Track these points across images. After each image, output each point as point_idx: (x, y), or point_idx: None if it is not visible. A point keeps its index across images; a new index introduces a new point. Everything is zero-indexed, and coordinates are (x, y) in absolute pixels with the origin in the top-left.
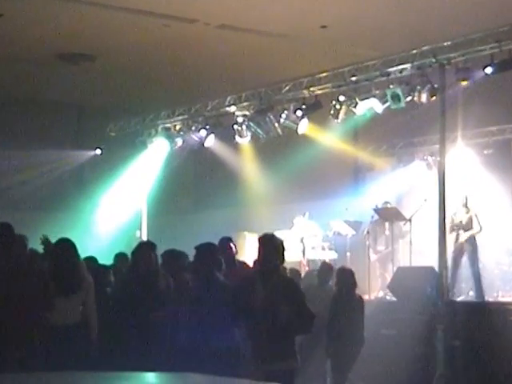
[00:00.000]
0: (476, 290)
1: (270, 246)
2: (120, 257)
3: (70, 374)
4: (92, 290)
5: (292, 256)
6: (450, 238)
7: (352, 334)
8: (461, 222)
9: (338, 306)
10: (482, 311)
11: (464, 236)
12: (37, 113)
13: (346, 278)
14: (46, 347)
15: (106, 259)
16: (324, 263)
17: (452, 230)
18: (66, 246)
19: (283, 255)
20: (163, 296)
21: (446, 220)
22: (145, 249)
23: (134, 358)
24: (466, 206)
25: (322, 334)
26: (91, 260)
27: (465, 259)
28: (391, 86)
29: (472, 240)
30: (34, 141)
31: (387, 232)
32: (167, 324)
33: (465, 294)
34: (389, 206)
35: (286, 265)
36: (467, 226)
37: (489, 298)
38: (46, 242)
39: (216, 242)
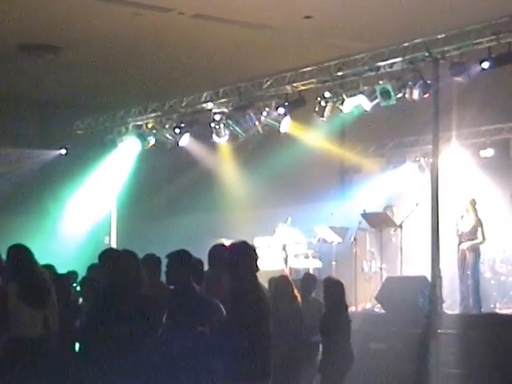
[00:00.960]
0: (474, 301)
1: (243, 255)
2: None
3: None
4: (55, 301)
5: (274, 265)
6: (448, 246)
7: (341, 350)
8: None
9: (328, 322)
10: (478, 324)
11: (466, 244)
12: None
13: (337, 292)
14: (9, 360)
15: (72, 266)
16: (307, 274)
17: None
18: (21, 253)
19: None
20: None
21: (451, 226)
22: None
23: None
24: (473, 210)
25: (307, 349)
26: (51, 268)
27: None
28: (381, 82)
29: (475, 248)
30: None
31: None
32: (142, 339)
33: (458, 305)
34: (393, 209)
35: (267, 274)
36: (471, 234)
37: (485, 309)
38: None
39: (191, 248)
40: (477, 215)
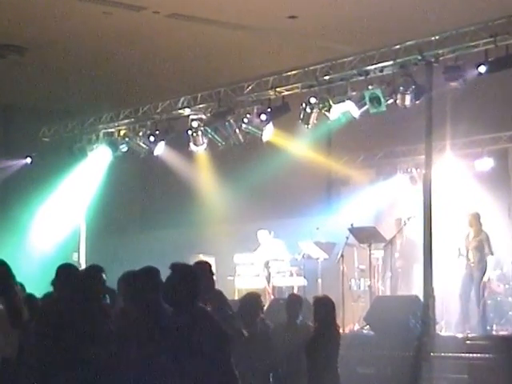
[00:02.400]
0: (481, 319)
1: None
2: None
3: None
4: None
5: (256, 283)
6: (442, 263)
7: (328, 374)
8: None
9: (317, 344)
10: (475, 347)
11: (475, 261)
12: None
13: (327, 312)
14: None
15: (37, 285)
16: (292, 295)
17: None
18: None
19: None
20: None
21: (445, 242)
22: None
23: None
24: (477, 225)
25: (294, 375)
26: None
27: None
28: (370, 87)
29: (483, 265)
30: None
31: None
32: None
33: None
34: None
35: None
36: (477, 250)
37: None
38: None
39: (165, 266)
40: (482, 229)
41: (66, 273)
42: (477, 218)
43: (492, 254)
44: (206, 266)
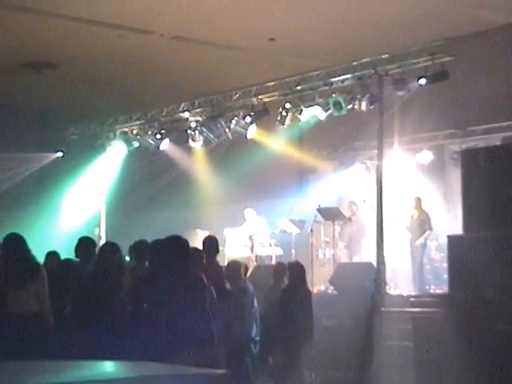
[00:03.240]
0: (420, 282)
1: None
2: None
3: (24, 362)
4: (45, 281)
5: (242, 252)
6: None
7: (301, 325)
8: (415, 222)
9: (289, 297)
10: (415, 302)
11: (418, 237)
12: (1, 118)
13: (298, 272)
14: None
15: (66, 254)
16: (279, 263)
17: (408, 229)
18: (15, 240)
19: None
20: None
21: (405, 220)
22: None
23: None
24: (419, 208)
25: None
26: (55, 255)
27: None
28: (333, 95)
29: (425, 239)
30: None
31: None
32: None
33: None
34: (357, 203)
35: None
36: (419, 227)
37: (421, 291)
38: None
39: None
40: (423, 210)
41: (86, 243)
42: (419, 201)
43: (431, 229)
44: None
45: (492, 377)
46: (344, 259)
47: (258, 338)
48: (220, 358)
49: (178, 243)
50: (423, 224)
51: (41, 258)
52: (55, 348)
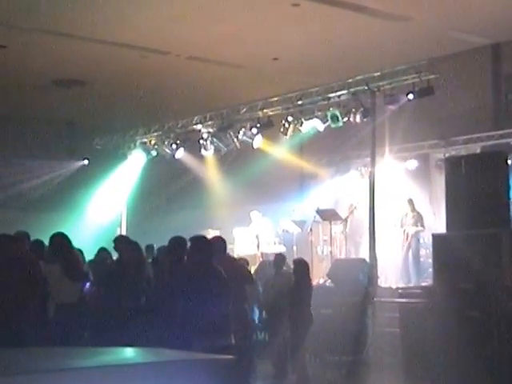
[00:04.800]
0: (415, 274)
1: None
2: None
3: (44, 348)
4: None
5: (249, 249)
6: (384, 235)
7: (303, 313)
8: (409, 220)
9: (296, 292)
10: (403, 293)
11: (411, 231)
12: (35, 129)
13: (303, 269)
14: (55, 321)
15: (92, 250)
16: (278, 254)
17: (402, 227)
18: (63, 239)
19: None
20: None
21: (397, 219)
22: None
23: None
24: (413, 209)
25: (283, 312)
26: (106, 250)
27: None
28: (331, 109)
29: (418, 236)
30: (33, 153)
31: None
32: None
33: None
34: (357, 206)
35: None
36: (414, 226)
37: (407, 283)
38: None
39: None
40: (416, 210)
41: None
42: (412, 202)
43: (424, 227)
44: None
45: (468, 357)
46: (340, 255)
47: (260, 324)
48: (233, 343)
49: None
50: (416, 222)
51: None
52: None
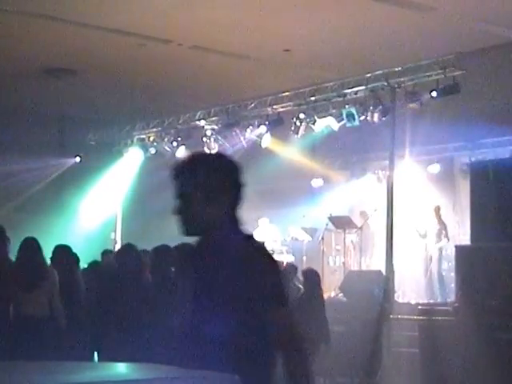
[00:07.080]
0: (440, 290)
1: None
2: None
3: (36, 363)
4: (56, 284)
5: None
6: (403, 245)
7: (315, 327)
8: (433, 230)
9: (304, 302)
10: (423, 311)
11: (434, 245)
12: (22, 123)
13: (313, 278)
14: (14, 337)
15: (83, 255)
16: (290, 264)
17: (423, 237)
18: (29, 244)
19: None
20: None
21: (418, 228)
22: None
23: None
24: (439, 218)
25: None
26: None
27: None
28: (347, 106)
29: (441, 248)
30: (20, 149)
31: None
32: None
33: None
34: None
35: None
36: (437, 236)
37: (430, 299)
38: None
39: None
40: (441, 219)
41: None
42: (438, 210)
43: (448, 239)
44: None
45: (495, 383)
46: (354, 267)
47: None
48: None
49: None
50: (440, 233)
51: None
52: (69, 349)
